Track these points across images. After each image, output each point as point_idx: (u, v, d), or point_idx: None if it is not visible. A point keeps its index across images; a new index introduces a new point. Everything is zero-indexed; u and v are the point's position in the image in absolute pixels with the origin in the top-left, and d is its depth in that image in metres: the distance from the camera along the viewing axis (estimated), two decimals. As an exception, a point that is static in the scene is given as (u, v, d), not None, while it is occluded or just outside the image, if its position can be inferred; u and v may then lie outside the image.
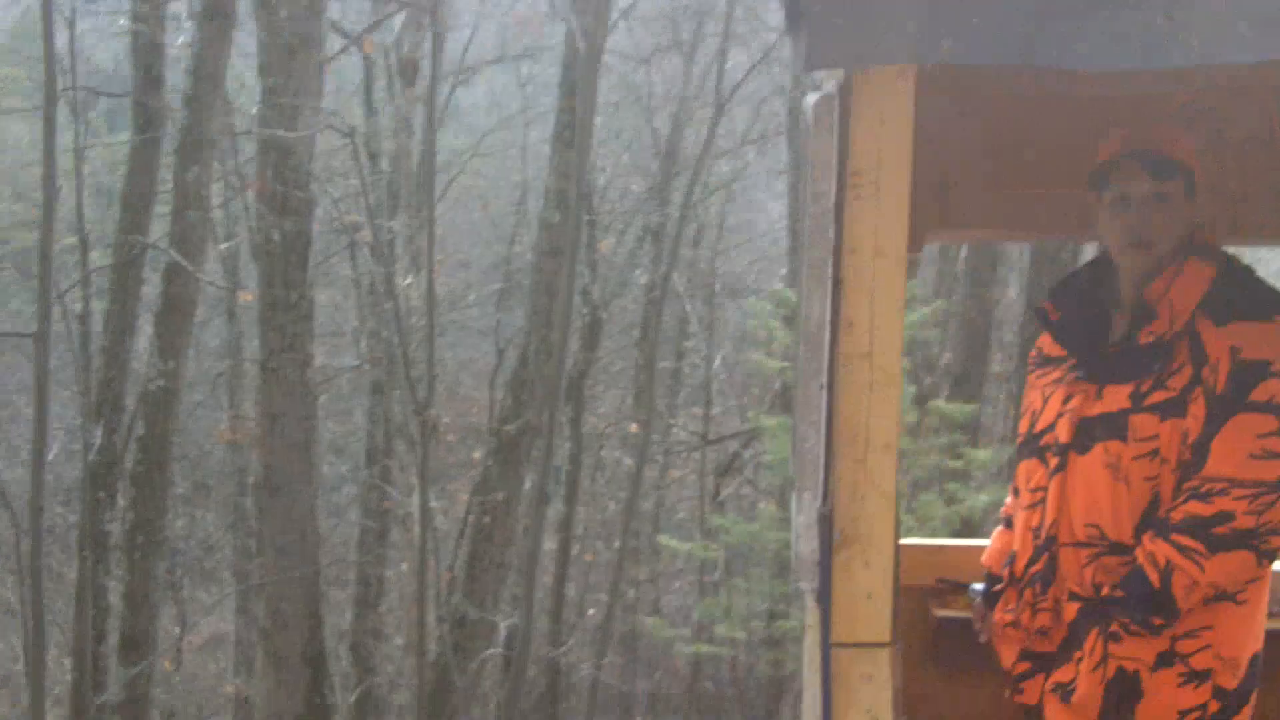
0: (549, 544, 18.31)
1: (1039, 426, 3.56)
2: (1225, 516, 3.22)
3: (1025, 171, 4.16)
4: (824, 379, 2.98)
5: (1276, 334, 3.32)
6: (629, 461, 19.75)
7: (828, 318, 2.96)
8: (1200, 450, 3.28)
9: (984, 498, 12.23)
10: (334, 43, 15.42)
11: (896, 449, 3.01)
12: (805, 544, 3.04)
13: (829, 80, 3.00)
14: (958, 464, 12.56)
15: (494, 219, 23.01)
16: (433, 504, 14.40)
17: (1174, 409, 3.31)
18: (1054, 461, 3.47)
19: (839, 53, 2.64)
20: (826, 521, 3.01)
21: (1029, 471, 3.58)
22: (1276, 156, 4.14)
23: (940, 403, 13.00)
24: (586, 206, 17.49)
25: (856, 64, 2.67)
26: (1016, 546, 3.61)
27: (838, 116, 2.91)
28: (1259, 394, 3.26)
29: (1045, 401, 3.56)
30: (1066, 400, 3.48)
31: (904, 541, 4.18)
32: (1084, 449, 3.42)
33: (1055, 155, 4.07)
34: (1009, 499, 3.81)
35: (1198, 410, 3.29)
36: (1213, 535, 3.23)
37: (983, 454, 12.89)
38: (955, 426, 12.89)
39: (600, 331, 19.07)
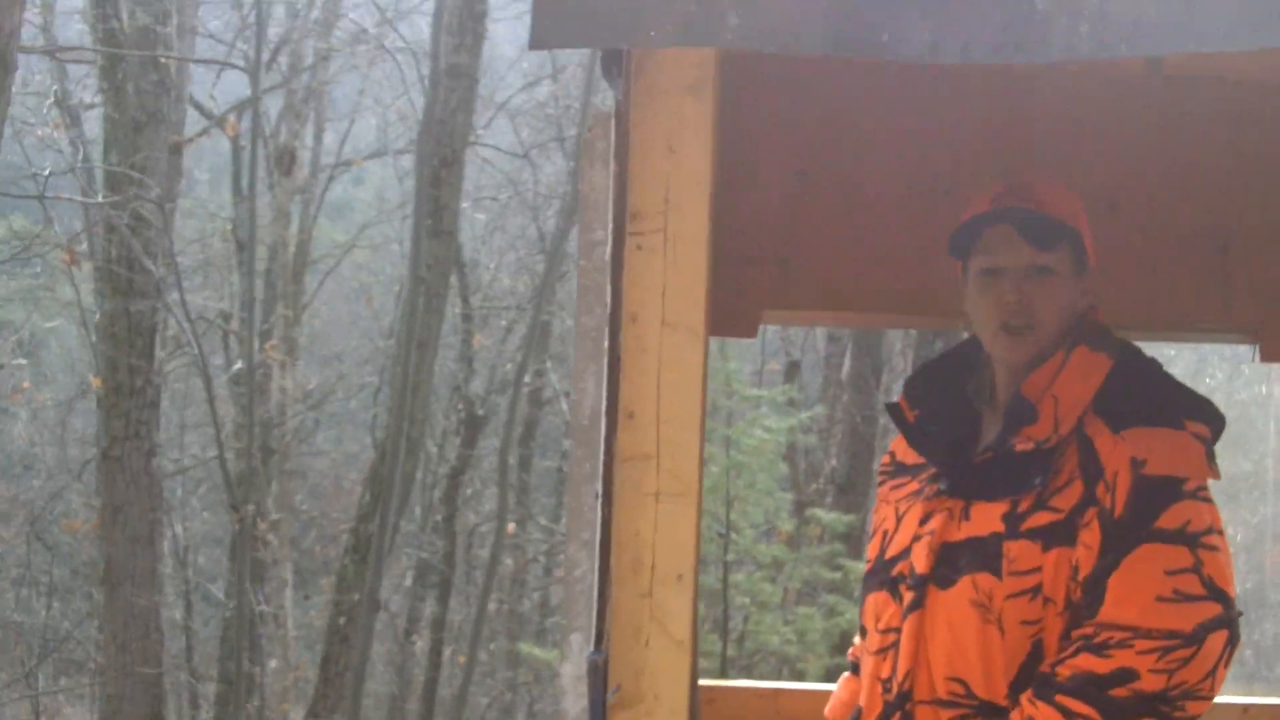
0: (422, 643, 17.92)
1: (891, 552, 2.83)
2: (1126, 675, 2.50)
3: (884, 239, 3.51)
4: (599, 486, 2.29)
5: (1188, 445, 2.65)
6: (509, 561, 19.16)
7: (603, 407, 2.27)
8: (1094, 589, 2.57)
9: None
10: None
11: (694, 580, 2.30)
12: (572, 702, 2.34)
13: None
14: (836, 576, 11.91)
15: (378, 313, 22.63)
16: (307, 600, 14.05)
17: (1060, 535, 2.61)
18: (909, 597, 2.74)
19: (575, 27, 1.90)
20: (600, 673, 2.30)
21: (878, 607, 2.84)
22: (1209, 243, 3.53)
23: (819, 511, 12.37)
24: (461, 299, 17.00)
25: (597, 42, 1.95)
26: (863, 701, 2.88)
27: (614, 143, 2.23)
28: (1168, 520, 2.58)
29: (899, 520, 2.85)
30: (925, 520, 2.77)
31: (734, 684, 3.49)
32: (947, 582, 2.69)
33: (922, 220, 3.44)
34: (856, 639, 3.09)
35: (1091, 538, 2.59)
36: (1109, 699, 2.50)
37: (863, 565, 12.22)
38: (836, 536, 12.27)
39: (479, 428, 18.46)
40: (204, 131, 14.69)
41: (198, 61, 12.85)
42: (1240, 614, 2.61)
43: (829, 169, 3.48)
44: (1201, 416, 2.70)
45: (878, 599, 2.84)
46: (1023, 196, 2.77)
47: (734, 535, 11.48)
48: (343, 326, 23.66)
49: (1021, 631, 2.62)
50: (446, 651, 18.60)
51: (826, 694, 3.29)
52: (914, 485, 2.86)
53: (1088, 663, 2.53)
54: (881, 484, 3.00)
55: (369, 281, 22.71)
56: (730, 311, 3.44)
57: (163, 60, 11.40)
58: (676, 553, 2.27)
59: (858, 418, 13.70)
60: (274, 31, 17.53)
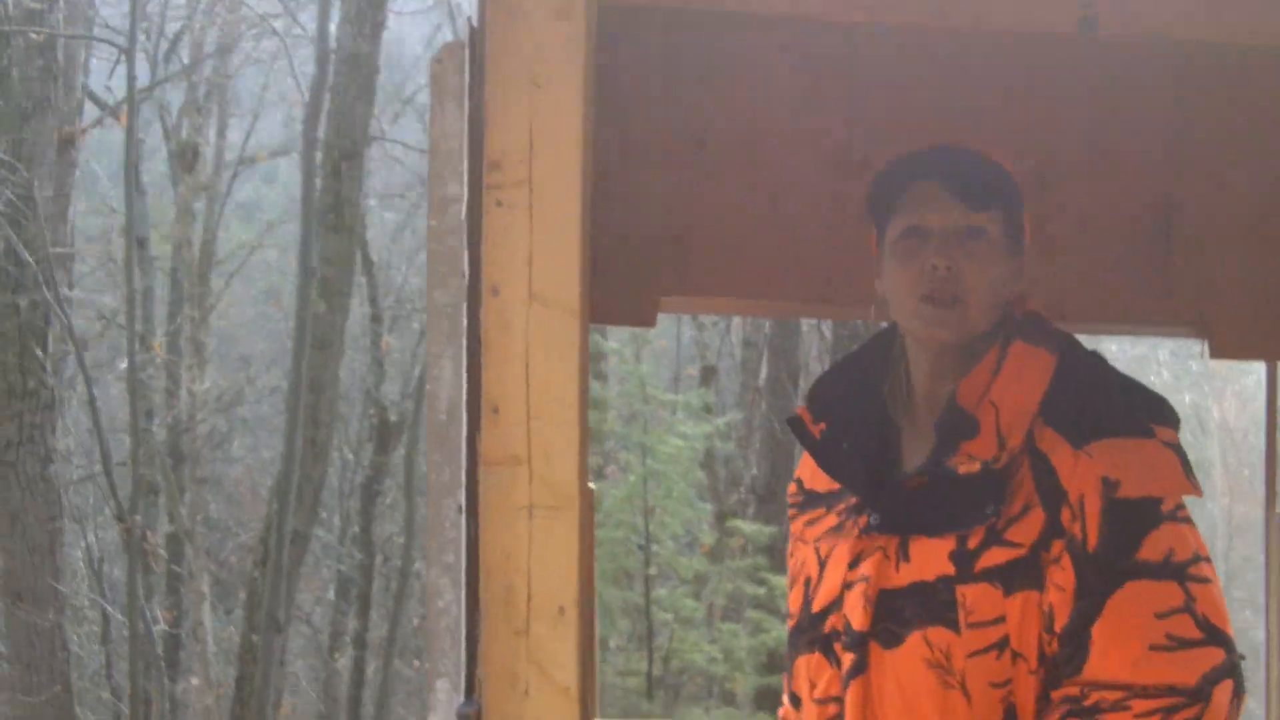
0: (344, 659, 17.56)
1: (818, 604, 2.31)
2: None
3: (792, 216, 3.15)
4: (461, 498, 1.90)
5: (1162, 456, 2.19)
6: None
7: (463, 399, 1.89)
8: (1075, 640, 2.11)
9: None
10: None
11: (581, 613, 1.92)
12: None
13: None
14: (760, 591, 11.53)
15: (286, 314, 22.16)
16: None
17: (1025, 576, 2.13)
18: (848, 659, 2.24)
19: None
20: (464, 724, 1.91)
21: (812, 672, 2.32)
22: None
23: (741, 523, 12.01)
24: (370, 301, 16.56)
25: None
26: None
27: (468, 77, 1.85)
28: (1150, 550, 2.12)
29: (823, 565, 2.32)
30: (855, 563, 2.25)
31: None
32: (893, 640, 2.20)
33: (834, 195, 3.09)
34: (784, 703, 2.53)
35: (1062, 577, 2.12)
36: None
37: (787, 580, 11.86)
38: (758, 548, 11.92)
39: (393, 435, 17.96)
40: (96, 122, 14.11)
41: (77, 38, 12.24)
42: (1243, 657, 2.16)
43: (729, 138, 3.11)
44: (1168, 420, 2.23)
45: (810, 662, 2.32)
46: (954, 148, 2.33)
47: (655, 548, 11.11)
48: (251, 328, 23.15)
49: (990, 695, 2.15)
50: (369, 667, 18.18)
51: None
52: (832, 519, 2.36)
53: None
54: (793, 519, 2.48)
55: (279, 282, 22.22)
56: (625, 297, 3.07)
57: (36, 36, 10.86)
58: (556, 580, 1.88)
59: (776, 425, 13.39)
60: (171, 27, 17.18)
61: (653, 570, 11.31)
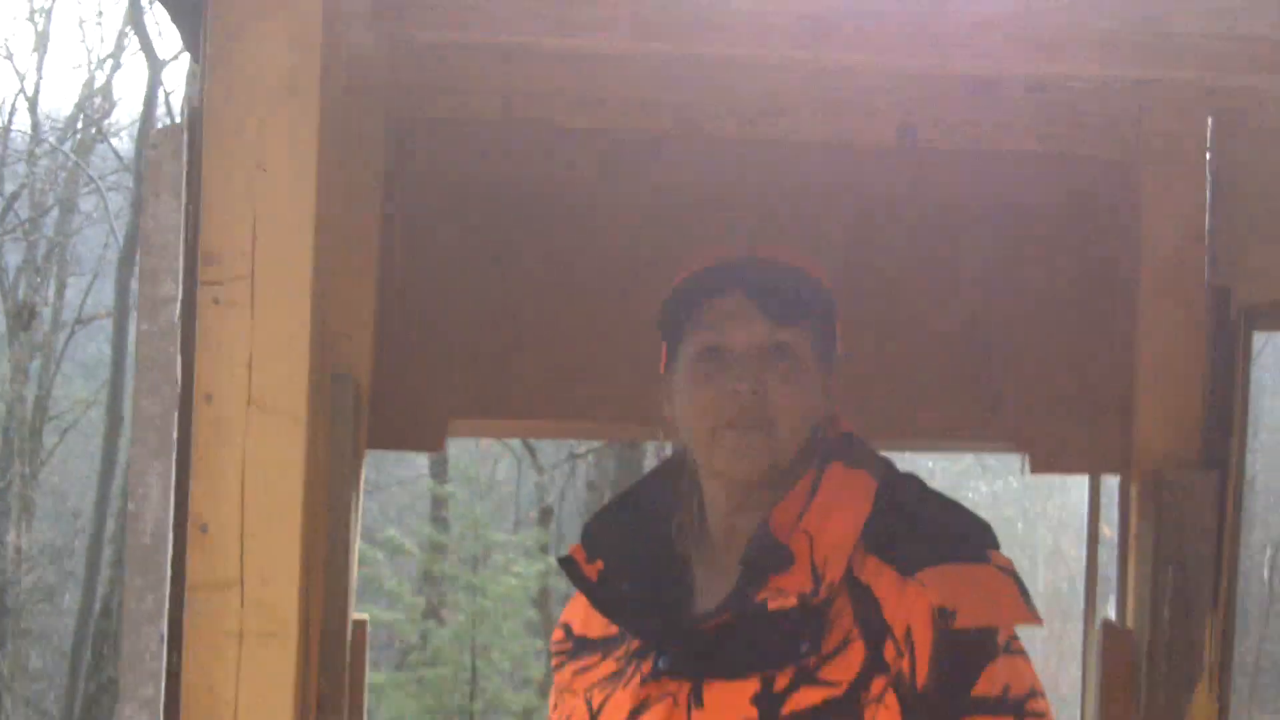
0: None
1: None
2: None
3: (594, 331, 2.98)
4: (164, 626, 1.67)
5: (998, 583, 1.95)
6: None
7: (170, 517, 1.66)
8: None
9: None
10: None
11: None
12: None
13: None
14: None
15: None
16: None
17: (839, 718, 1.88)
18: None
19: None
20: None
21: None
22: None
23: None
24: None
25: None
26: None
27: (185, 162, 1.65)
28: (987, 685, 1.89)
29: (595, 716, 2.03)
30: (637, 712, 1.96)
31: None
32: None
33: (638, 307, 2.92)
34: None
35: (886, 716, 1.87)
36: None
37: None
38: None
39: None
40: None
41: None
42: None
43: (528, 250, 2.94)
44: (996, 544, 2.00)
45: None
46: (757, 256, 2.08)
47: (481, 684, 10.82)
48: (85, 483, 22.64)
49: None
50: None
51: None
52: (610, 665, 2.07)
53: None
54: (557, 668, 2.18)
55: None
56: (410, 420, 2.86)
57: None
58: (267, 715, 1.64)
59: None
60: (9, 187, 16.95)
61: (477, 705, 10.98)
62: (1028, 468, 3.14)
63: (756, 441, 1.96)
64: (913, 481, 2.04)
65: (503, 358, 2.93)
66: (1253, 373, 3.16)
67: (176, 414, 1.65)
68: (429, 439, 2.86)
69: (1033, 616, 1.94)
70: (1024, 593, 1.95)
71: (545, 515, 12.54)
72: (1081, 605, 3.29)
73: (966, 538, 1.95)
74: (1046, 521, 22.20)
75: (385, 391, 2.83)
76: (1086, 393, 3.16)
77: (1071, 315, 3.16)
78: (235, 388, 1.62)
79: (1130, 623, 3.14)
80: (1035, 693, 1.92)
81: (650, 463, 13.51)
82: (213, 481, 1.62)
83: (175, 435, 1.65)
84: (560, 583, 12.56)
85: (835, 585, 1.89)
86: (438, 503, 12.94)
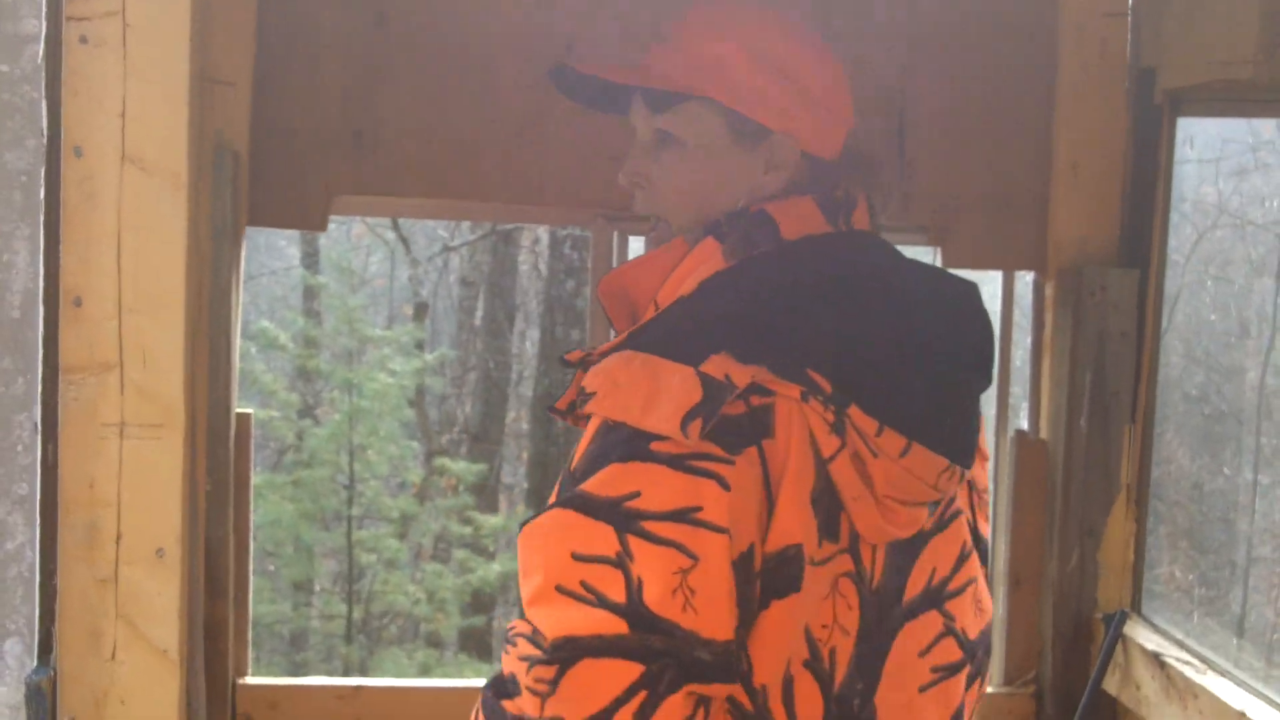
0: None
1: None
2: None
3: (485, 105, 2.79)
4: (37, 414, 1.50)
5: (656, 382, 1.71)
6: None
7: (40, 288, 1.48)
8: None
9: (496, 567, 10.87)
10: None
11: (184, 555, 1.53)
12: (1, 744, 1.54)
13: None
14: (467, 530, 11.14)
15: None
16: None
17: None
18: None
19: None
20: (43, 701, 1.52)
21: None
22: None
23: (448, 461, 11.60)
24: None
25: None
26: None
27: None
28: (595, 484, 1.67)
29: None
30: None
31: (303, 681, 2.68)
32: None
33: (531, 83, 2.73)
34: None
35: None
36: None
37: (495, 520, 11.52)
38: (467, 487, 11.52)
39: None
40: None
41: None
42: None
43: (414, 15, 2.73)
44: (743, 352, 1.76)
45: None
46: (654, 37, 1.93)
47: (359, 488, 10.64)
48: None
49: None
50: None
51: (414, 690, 2.59)
52: None
53: None
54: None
55: None
56: (293, 198, 2.67)
57: None
58: (154, 515, 1.49)
59: (491, 364, 13.02)
60: None
61: (356, 510, 10.82)
62: (939, 263, 3.02)
63: (648, 226, 1.93)
64: (766, 271, 1.82)
65: (391, 131, 2.73)
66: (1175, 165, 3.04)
67: (44, 170, 1.45)
68: (312, 217, 2.67)
69: (665, 426, 1.66)
70: (702, 404, 1.68)
71: (420, 311, 12.27)
72: (994, 413, 3.21)
73: (691, 336, 1.75)
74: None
75: (265, 164, 2.63)
76: (1002, 184, 3.04)
77: (989, 101, 3.03)
78: (108, 140, 1.43)
79: (1044, 433, 3.06)
80: (659, 513, 1.66)
81: (526, 258, 13.28)
82: (85, 249, 1.43)
83: (43, 194, 1.45)
84: (436, 382, 12.41)
85: (605, 354, 1.79)
86: (310, 294, 12.60)
